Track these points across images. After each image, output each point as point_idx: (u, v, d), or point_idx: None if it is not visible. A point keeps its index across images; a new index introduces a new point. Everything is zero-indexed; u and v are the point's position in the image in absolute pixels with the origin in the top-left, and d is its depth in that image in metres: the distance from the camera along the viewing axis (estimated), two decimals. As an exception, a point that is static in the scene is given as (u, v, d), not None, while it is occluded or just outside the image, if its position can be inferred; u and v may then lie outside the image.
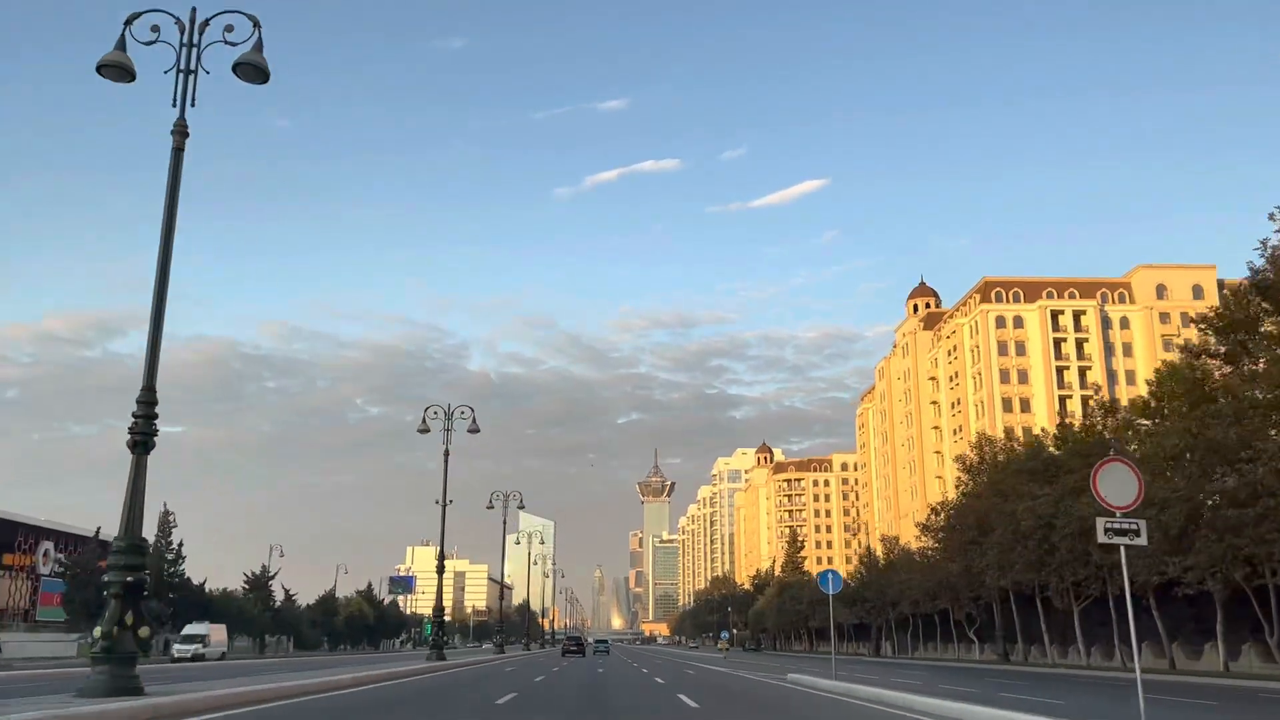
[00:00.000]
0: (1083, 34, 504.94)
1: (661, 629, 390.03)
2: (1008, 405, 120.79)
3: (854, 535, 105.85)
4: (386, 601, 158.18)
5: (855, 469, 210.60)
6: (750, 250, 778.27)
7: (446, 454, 45.04)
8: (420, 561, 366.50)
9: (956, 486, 61.90)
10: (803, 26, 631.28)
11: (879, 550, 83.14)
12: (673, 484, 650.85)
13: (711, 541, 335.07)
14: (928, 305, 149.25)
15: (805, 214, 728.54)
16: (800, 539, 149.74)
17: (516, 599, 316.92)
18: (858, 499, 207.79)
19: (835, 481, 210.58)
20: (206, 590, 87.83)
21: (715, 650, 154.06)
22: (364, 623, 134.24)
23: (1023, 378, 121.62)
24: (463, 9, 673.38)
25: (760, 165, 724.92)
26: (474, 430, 45.08)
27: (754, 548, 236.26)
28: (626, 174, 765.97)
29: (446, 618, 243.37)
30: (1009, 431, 68.07)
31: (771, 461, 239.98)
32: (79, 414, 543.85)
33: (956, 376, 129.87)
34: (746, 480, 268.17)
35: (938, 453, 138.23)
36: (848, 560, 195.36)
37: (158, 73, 16.77)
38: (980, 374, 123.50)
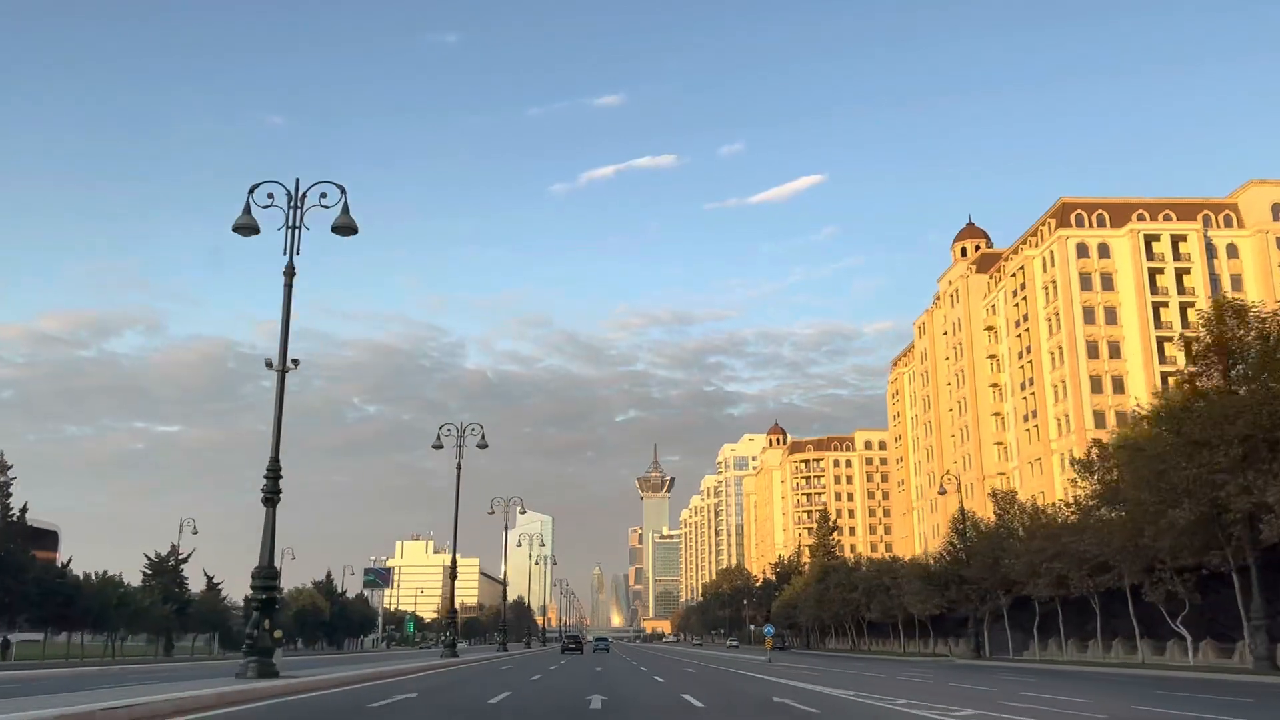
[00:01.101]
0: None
1: (664, 626, 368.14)
2: (1093, 350, 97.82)
3: (942, 495, 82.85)
4: (351, 595, 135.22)
5: (880, 447, 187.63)
6: (748, 247, 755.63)
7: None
8: (410, 556, 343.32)
9: (1183, 381, 38.41)
10: (800, 20, 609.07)
11: (986, 511, 59.29)
12: (672, 479, 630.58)
13: (716, 534, 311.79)
14: (978, 248, 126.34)
15: (803, 210, 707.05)
16: (832, 520, 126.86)
17: (512, 596, 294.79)
18: (885, 480, 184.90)
19: (858, 461, 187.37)
20: (72, 575, 64.31)
21: (725, 649, 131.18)
22: (319, 619, 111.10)
23: (1111, 317, 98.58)
24: (457, 4, 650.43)
25: (758, 161, 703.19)
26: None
27: (767, 536, 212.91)
28: (623, 170, 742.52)
29: (431, 614, 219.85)
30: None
31: (785, 443, 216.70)
32: (75, 415, 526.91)
33: (1024, 321, 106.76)
34: (757, 464, 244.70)
35: (997, 415, 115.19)
36: (872, 548, 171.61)
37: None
38: (1057, 315, 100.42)
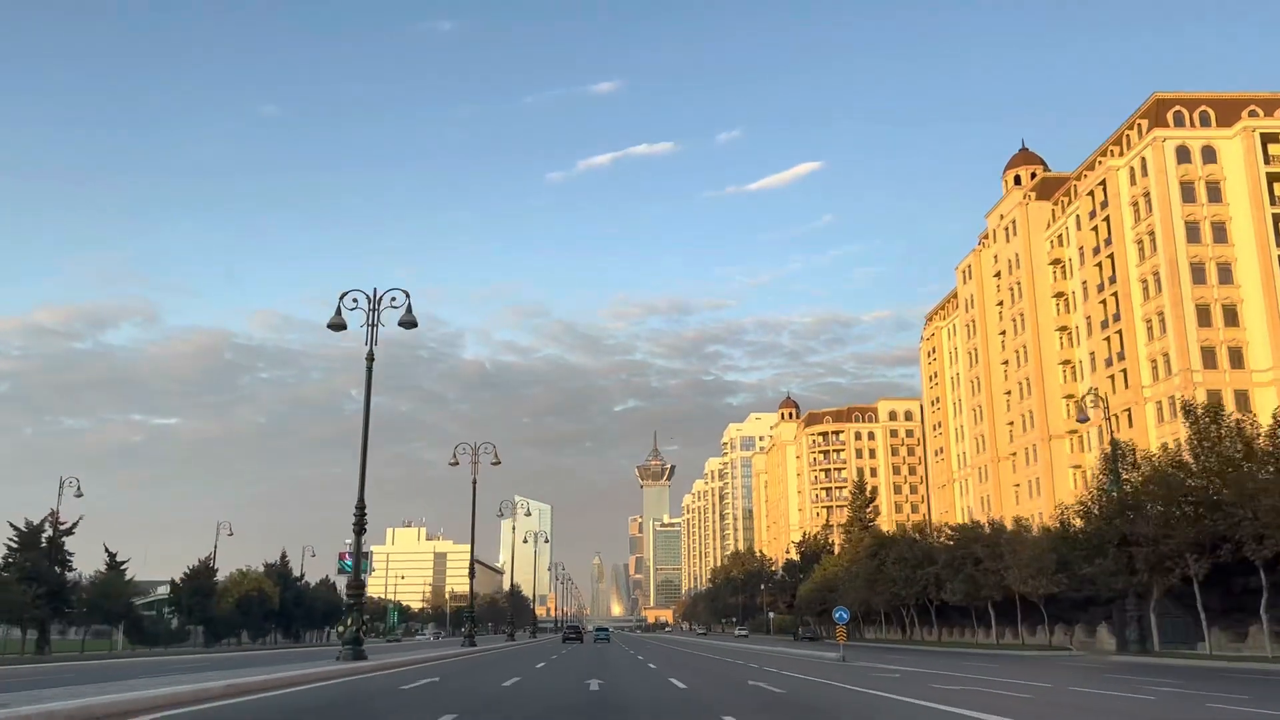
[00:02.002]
0: None
1: (665, 615, 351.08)
2: (1198, 275, 79.23)
3: (1083, 423, 64.37)
4: (324, 580, 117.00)
5: (906, 417, 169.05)
6: (746, 235, 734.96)
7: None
8: (401, 543, 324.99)
9: None
10: (797, 4, 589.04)
11: (1183, 437, 39.54)
12: (672, 467, 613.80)
13: (722, 518, 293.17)
14: (1033, 176, 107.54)
15: (801, 197, 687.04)
16: (870, 490, 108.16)
17: (508, 583, 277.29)
18: (911, 454, 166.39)
19: (882, 433, 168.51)
20: None
21: (733, 638, 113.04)
22: (266, 607, 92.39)
23: (1219, 234, 79.94)
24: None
25: (755, 148, 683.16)
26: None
27: (781, 517, 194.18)
28: (620, 158, 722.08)
29: (420, 603, 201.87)
30: None
31: (799, 416, 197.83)
32: (71, 407, 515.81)
33: (1106, 246, 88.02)
34: (768, 441, 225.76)
35: (1066, 363, 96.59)
36: (898, 526, 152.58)
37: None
38: (1151, 235, 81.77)
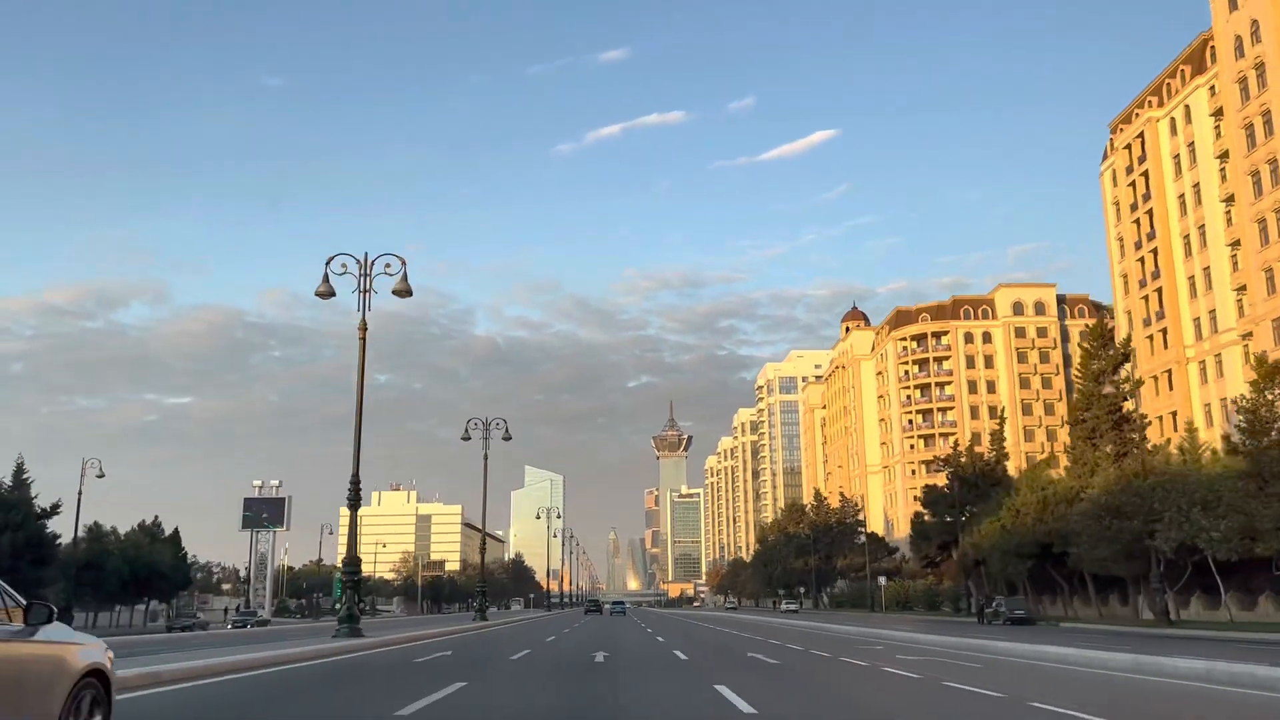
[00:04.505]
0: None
1: (687, 589, 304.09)
2: None
3: None
4: (100, 526, 67.37)
5: (1036, 311, 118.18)
6: (759, 206, 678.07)
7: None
8: (388, 506, 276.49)
9: None
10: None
11: None
12: (690, 438, 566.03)
13: (755, 476, 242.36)
14: None
15: (815, 167, 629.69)
16: (1123, 341, 57.36)
17: (512, 555, 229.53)
18: (1044, 360, 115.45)
19: (1002, 335, 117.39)
20: None
21: (780, 614, 63.35)
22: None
23: None
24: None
25: (768, 116, 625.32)
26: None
27: (850, 458, 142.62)
28: (630, 128, 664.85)
29: (390, 573, 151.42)
30: None
31: (872, 325, 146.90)
32: (86, 387, 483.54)
33: None
34: (829, 365, 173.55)
35: None
36: (1026, 459, 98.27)
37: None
38: None
